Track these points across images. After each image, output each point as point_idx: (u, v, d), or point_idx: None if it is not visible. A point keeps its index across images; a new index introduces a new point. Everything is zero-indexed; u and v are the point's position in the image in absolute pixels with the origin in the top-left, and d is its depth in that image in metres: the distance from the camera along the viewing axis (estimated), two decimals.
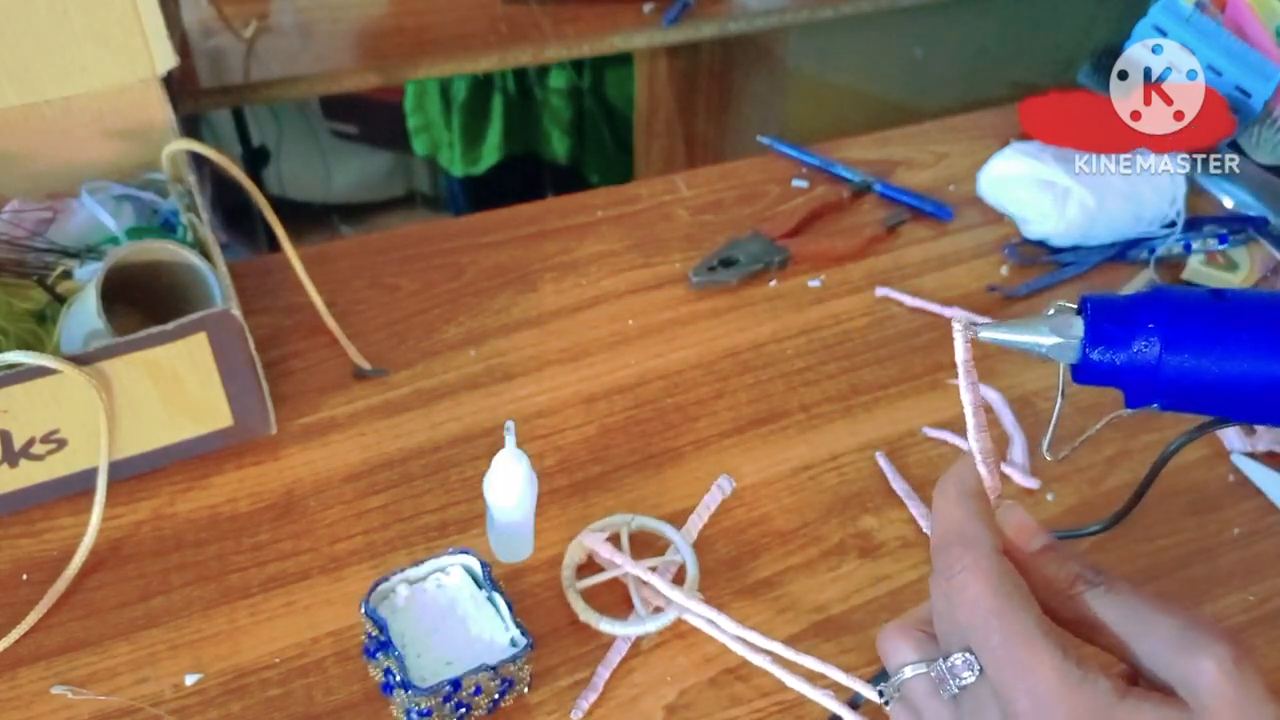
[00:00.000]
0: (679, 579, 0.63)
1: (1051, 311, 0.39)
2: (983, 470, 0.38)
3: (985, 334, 0.39)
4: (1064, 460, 0.71)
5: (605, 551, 0.62)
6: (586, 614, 0.60)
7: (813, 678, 0.57)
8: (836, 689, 0.56)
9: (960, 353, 0.38)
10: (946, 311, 0.82)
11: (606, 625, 0.60)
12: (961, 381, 0.38)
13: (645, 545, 0.65)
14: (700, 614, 0.59)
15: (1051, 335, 0.38)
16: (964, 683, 0.36)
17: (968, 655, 0.35)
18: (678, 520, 0.66)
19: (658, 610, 0.61)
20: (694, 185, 0.94)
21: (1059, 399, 0.42)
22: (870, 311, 0.82)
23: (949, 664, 0.36)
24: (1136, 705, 0.33)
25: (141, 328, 0.61)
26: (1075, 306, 0.39)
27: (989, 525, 0.37)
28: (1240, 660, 0.32)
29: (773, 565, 0.64)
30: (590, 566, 0.64)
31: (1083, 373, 0.39)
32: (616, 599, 0.62)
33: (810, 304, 0.83)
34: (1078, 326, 0.38)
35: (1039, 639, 0.34)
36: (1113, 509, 0.68)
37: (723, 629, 0.59)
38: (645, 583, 0.61)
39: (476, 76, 1.62)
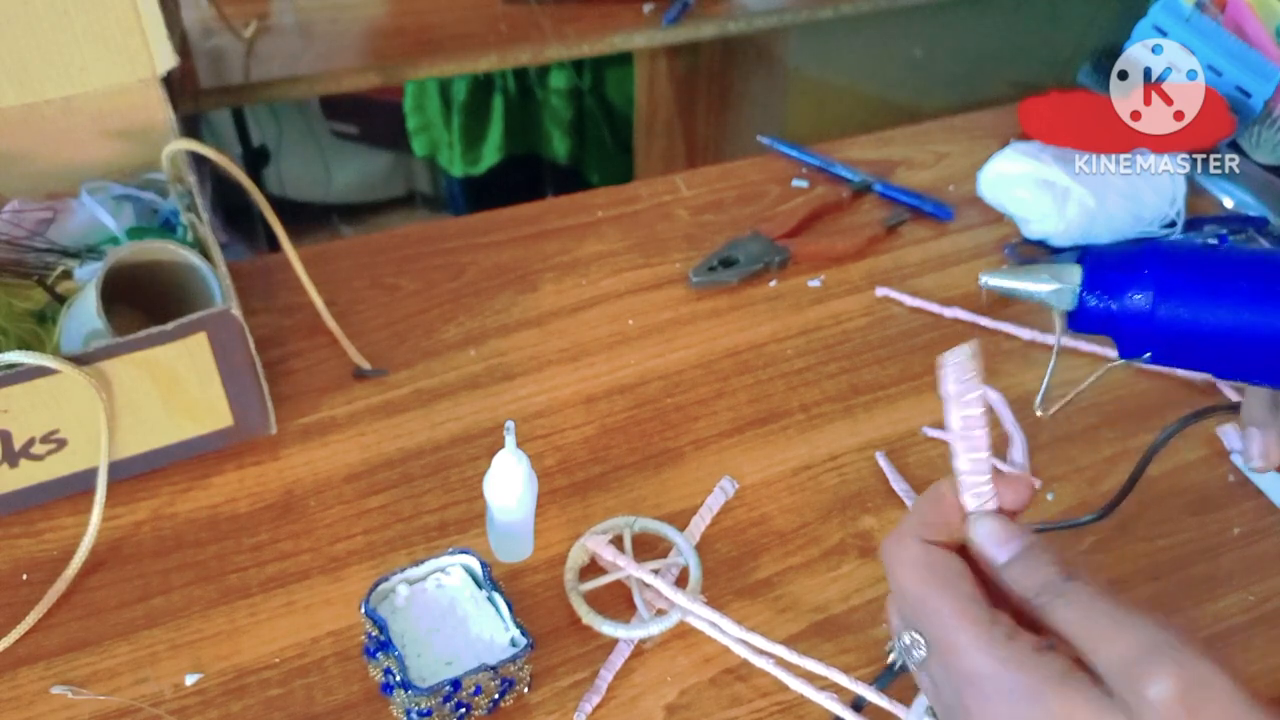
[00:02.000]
0: (682, 581, 0.63)
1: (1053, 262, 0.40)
2: (964, 483, 0.39)
3: (988, 280, 0.40)
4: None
5: (608, 554, 0.62)
6: (589, 617, 0.60)
7: (814, 679, 0.57)
8: (838, 690, 0.57)
9: (947, 385, 0.38)
10: (947, 311, 0.82)
11: (609, 628, 0.59)
12: (948, 410, 0.39)
13: (647, 547, 0.65)
14: (703, 617, 0.59)
15: (1051, 281, 0.39)
16: (918, 658, 0.37)
17: (915, 634, 0.37)
18: (678, 520, 0.66)
19: (660, 612, 0.61)
20: (694, 185, 0.94)
21: (1055, 351, 0.43)
22: (870, 311, 0.82)
23: (903, 641, 0.38)
24: (1075, 691, 0.33)
25: (141, 328, 0.61)
26: (1075, 257, 0.40)
27: (919, 518, 0.38)
28: (1192, 689, 0.31)
29: (773, 565, 0.64)
30: (593, 569, 0.64)
31: (1079, 320, 0.40)
32: (619, 601, 0.62)
33: (810, 304, 0.83)
34: (1076, 273, 0.39)
35: (964, 622, 0.35)
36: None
37: (726, 632, 0.59)
38: (648, 585, 0.61)
39: (477, 77, 1.62)
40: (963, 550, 0.39)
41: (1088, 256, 0.39)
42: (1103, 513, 0.59)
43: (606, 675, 0.58)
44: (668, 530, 0.64)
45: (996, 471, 0.40)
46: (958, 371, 0.38)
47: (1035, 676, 0.34)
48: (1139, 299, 0.38)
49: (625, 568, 0.62)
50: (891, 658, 0.41)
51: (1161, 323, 0.38)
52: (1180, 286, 0.38)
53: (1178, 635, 0.33)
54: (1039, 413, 0.45)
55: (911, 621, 0.38)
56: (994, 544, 0.38)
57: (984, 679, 0.35)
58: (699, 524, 0.66)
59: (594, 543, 0.63)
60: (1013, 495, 0.39)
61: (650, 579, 0.61)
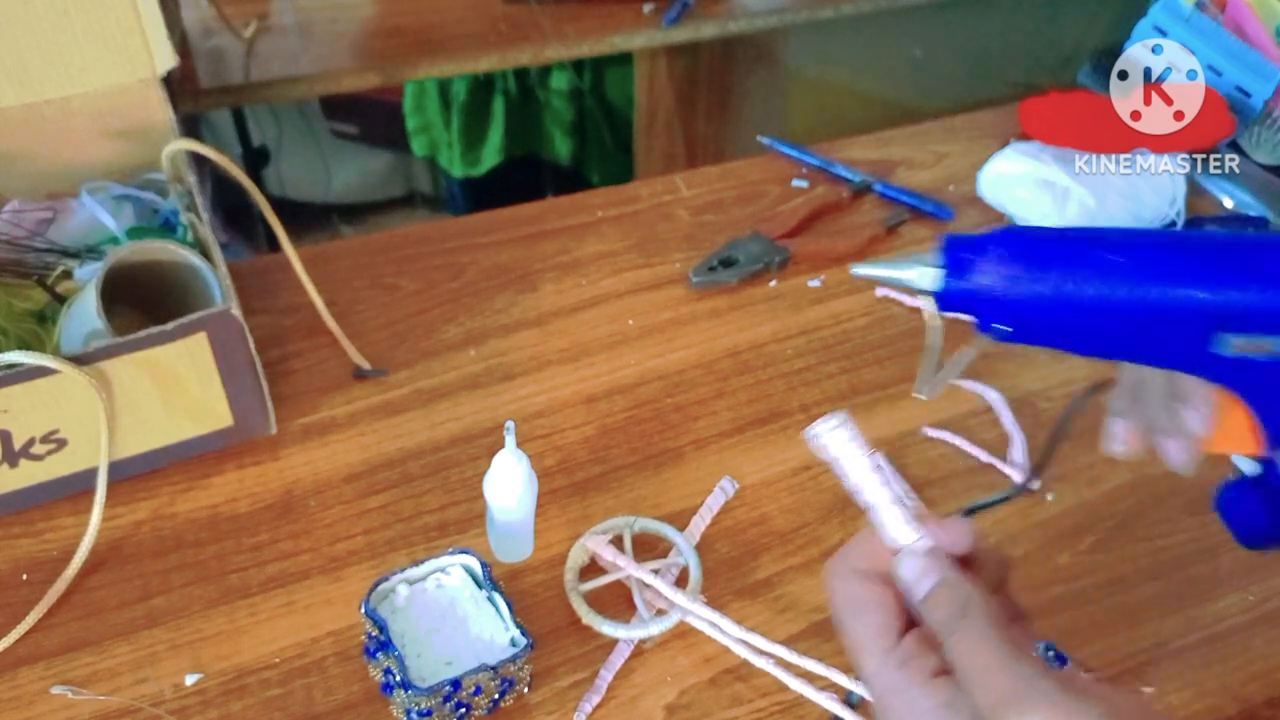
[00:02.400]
0: (682, 581, 0.63)
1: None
2: (880, 528, 0.41)
3: (858, 270, 0.44)
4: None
5: (608, 554, 0.63)
6: (589, 617, 0.60)
7: (814, 679, 0.57)
8: (837, 690, 0.57)
9: (826, 455, 0.41)
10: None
11: (609, 628, 0.60)
12: (847, 471, 0.41)
13: (648, 547, 0.65)
14: (703, 617, 0.59)
15: (914, 266, 0.42)
16: None
17: None
18: (678, 520, 0.66)
19: (660, 613, 0.61)
20: (694, 185, 0.94)
21: (934, 334, 0.44)
22: (870, 311, 0.82)
23: None
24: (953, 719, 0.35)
25: (141, 328, 0.61)
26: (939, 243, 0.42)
27: (854, 548, 0.41)
28: None
29: (772, 565, 0.64)
30: (593, 569, 0.64)
31: (944, 300, 0.42)
32: (619, 601, 0.62)
33: (810, 304, 0.83)
34: (937, 257, 0.41)
35: (867, 650, 0.38)
36: (1113, 509, 0.68)
37: (725, 632, 0.59)
38: (648, 585, 0.61)
39: (477, 78, 1.62)
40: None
41: (946, 239, 0.42)
42: (1022, 486, 0.60)
43: (606, 675, 0.58)
44: (668, 530, 0.64)
45: (936, 514, 0.41)
46: (830, 441, 0.41)
47: (922, 704, 0.36)
48: (991, 277, 0.41)
49: (625, 568, 0.62)
50: None
51: (1016, 299, 0.41)
52: (1033, 260, 0.40)
53: (1054, 681, 0.34)
54: (918, 395, 0.46)
55: None
56: (912, 580, 0.39)
57: (880, 700, 0.38)
58: (699, 524, 0.66)
59: (594, 543, 0.63)
60: (949, 537, 0.40)
61: (650, 579, 0.61)
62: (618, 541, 0.64)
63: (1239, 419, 0.44)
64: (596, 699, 0.57)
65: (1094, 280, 0.40)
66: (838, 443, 0.41)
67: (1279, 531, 0.48)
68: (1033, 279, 0.41)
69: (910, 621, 0.39)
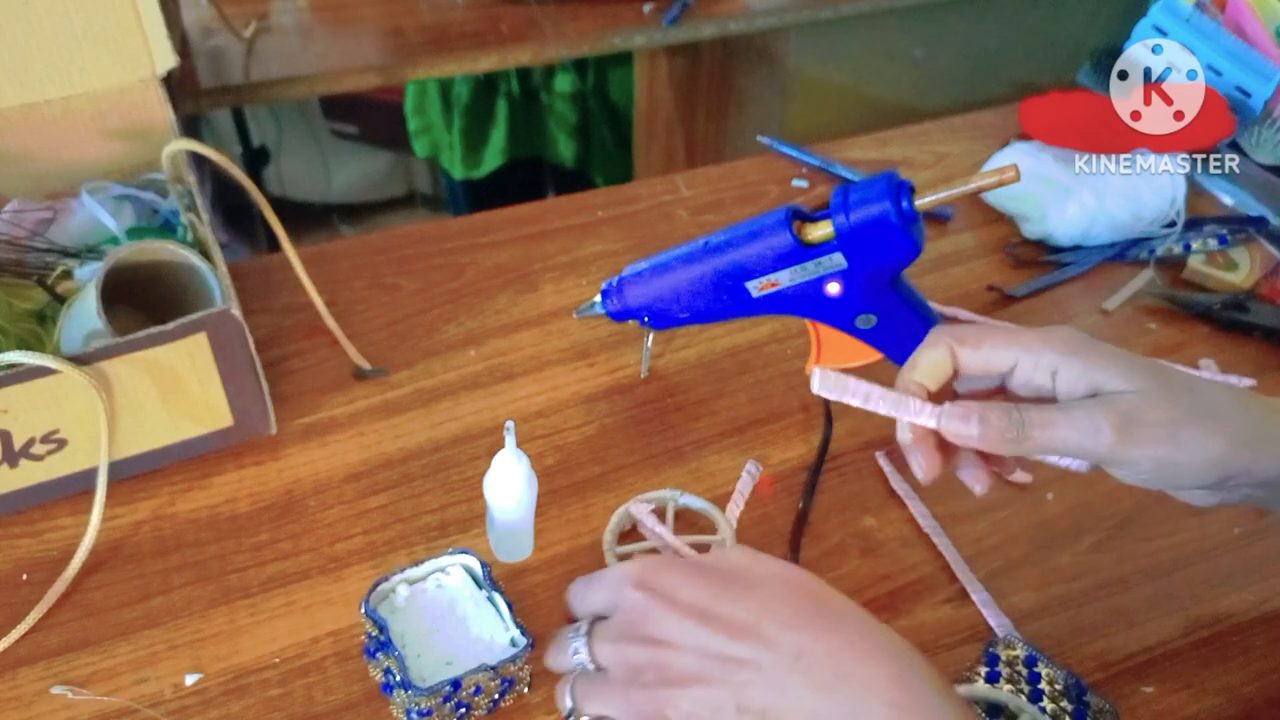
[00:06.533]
0: None
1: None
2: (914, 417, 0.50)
3: (577, 313, 0.74)
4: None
5: (649, 522, 0.64)
6: None
7: None
8: None
9: (841, 399, 0.50)
10: (947, 311, 0.82)
11: None
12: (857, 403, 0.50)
13: (687, 524, 0.66)
14: None
15: (595, 300, 0.71)
16: None
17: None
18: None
19: None
20: (694, 185, 0.94)
21: (646, 340, 0.74)
22: None
23: None
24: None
25: (141, 328, 0.61)
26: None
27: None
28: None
29: None
30: (631, 535, 0.65)
31: (613, 316, 0.71)
32: None
33: None
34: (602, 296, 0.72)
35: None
36: (1113, 509, 0.68)
37: None
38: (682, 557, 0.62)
39: (480, 79, 1.62)
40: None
41: (603, 285, 0.71)
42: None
43: None
44: (710, 509, 0.65)
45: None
46: (827, 386, 0.49)
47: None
48: (627, 296, 0.69)
49: (663, 536, 0.63)
50: None
51: (644, 305, 0.69)
52: (639, 282, 0.69)
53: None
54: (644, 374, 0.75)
55: None
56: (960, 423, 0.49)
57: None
58: (734, 509, 0.67)
59: (638, 509, 0.64)
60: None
61: (686, 551, 0.62)
62: (660, 513, 0.65)
63: (832, 338, 0.67)
64: None
65: (674, 275, 0.67)
66: (832, 381, 0.49)
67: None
68: (645, 289, 0.68)
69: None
